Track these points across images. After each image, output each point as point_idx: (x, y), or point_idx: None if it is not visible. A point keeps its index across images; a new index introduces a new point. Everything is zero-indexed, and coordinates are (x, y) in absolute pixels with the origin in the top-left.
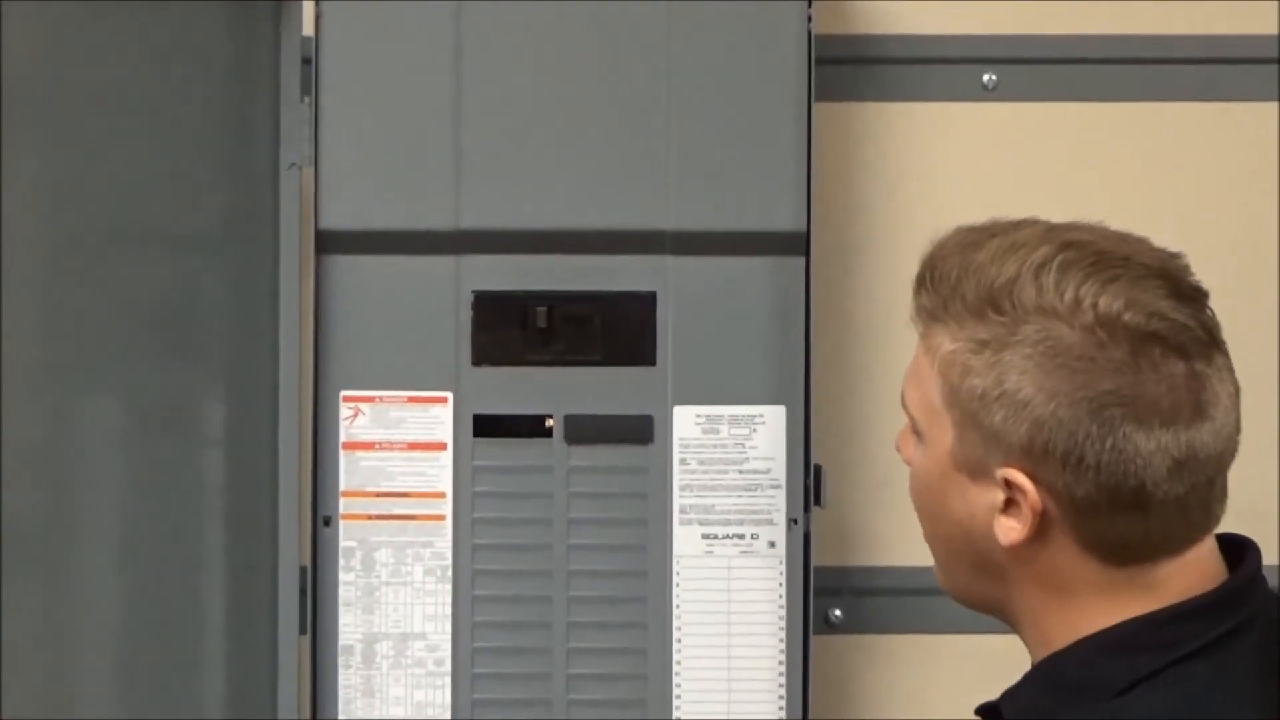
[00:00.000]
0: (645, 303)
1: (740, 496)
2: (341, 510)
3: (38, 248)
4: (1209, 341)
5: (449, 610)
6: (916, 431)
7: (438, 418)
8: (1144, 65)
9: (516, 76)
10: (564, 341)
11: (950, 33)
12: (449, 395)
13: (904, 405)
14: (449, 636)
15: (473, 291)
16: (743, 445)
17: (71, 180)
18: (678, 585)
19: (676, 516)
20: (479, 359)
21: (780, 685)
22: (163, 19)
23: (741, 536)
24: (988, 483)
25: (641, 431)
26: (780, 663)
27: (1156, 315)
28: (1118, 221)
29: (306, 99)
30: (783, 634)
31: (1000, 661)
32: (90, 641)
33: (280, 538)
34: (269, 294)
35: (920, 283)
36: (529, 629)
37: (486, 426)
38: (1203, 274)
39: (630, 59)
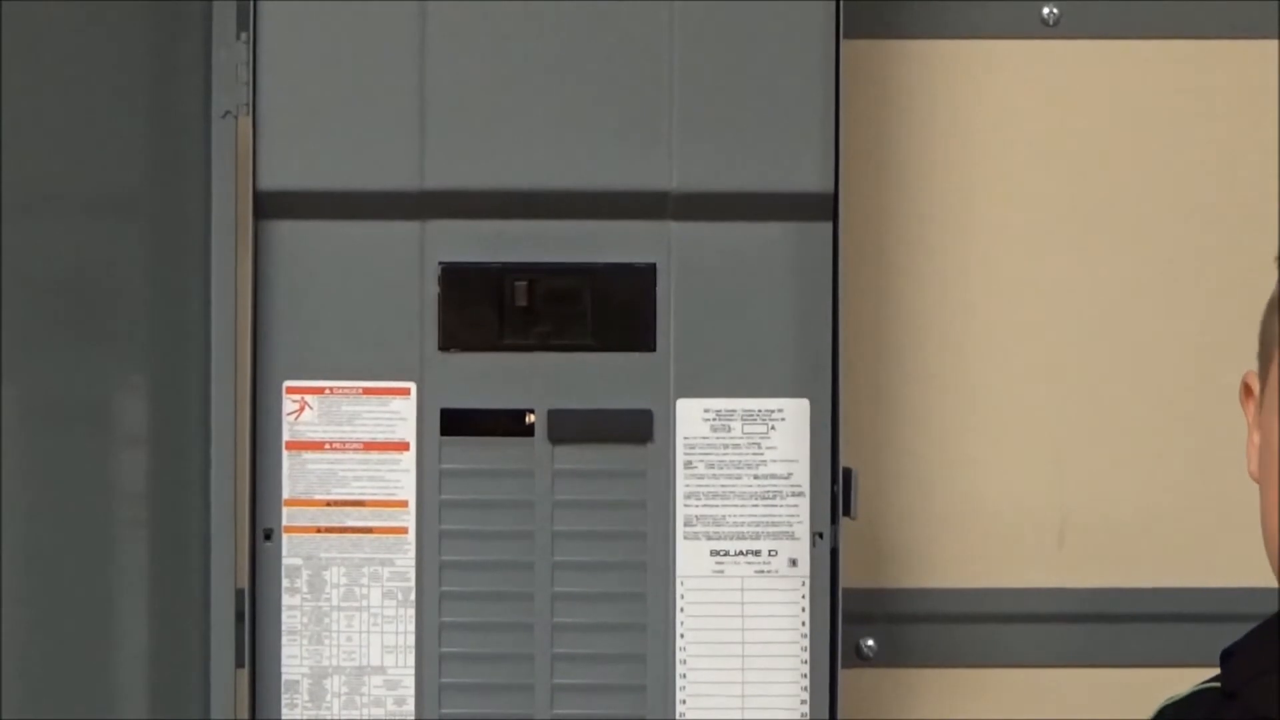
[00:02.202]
0: (644, 277)
1: (756, 506)
2: (284, 521)
3: None
4: None
5: (412, 640)
6: None
7: (398, 412)
8: None
9: (493, 8)
10: (548, 323)
11: None
12: (412, 386)
13: None
14: (412, 671)
15: (440, 263)
16: (759, 445)
17: None
18: (682, 610)
19: (681, 530)
20: (447, 343)
21: None
22: None
23: (757, 553)
24: None
25: (639, 429)
26: (804, 702)
27: None
28: (1213, 181)
29: (243, 35)
30: (806, 668)
31: (1057, 697)
32: None
33: (212, 554)
34: (197, 266)
35: None
36: (507, 661)
37: (456, 423)
38: None
39: None
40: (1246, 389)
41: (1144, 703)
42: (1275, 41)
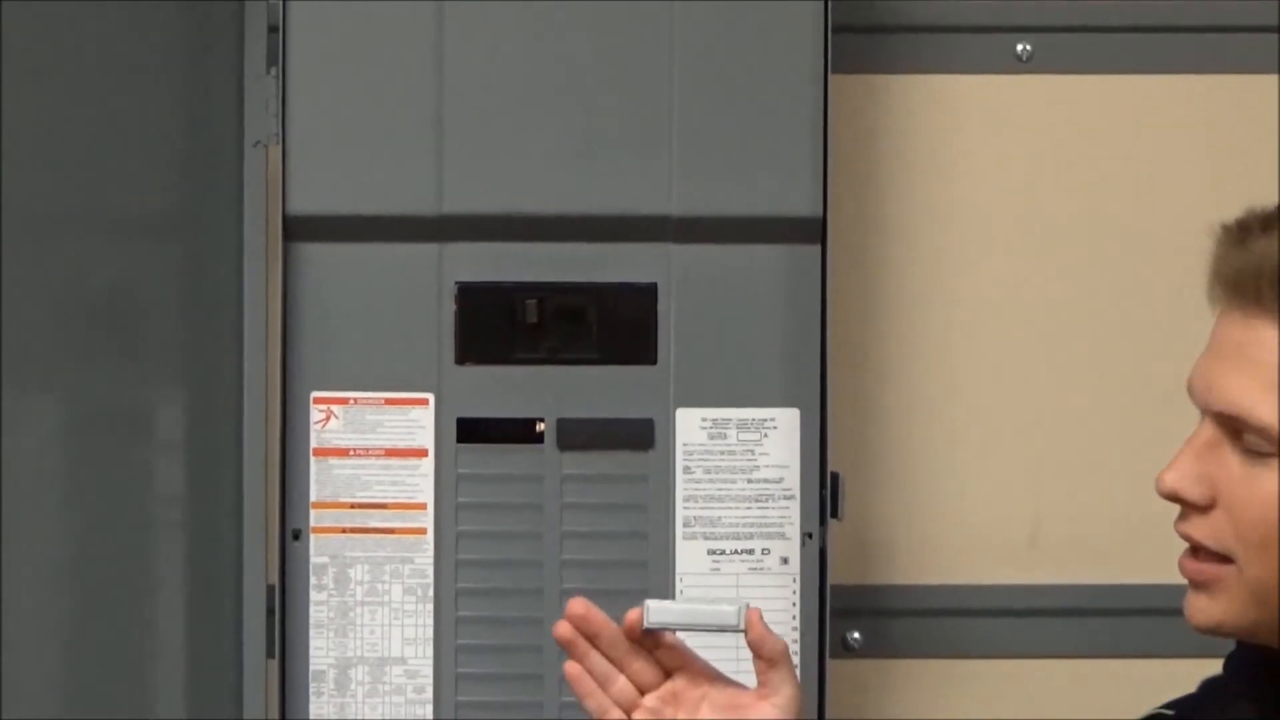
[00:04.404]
0: (646, 295)
1: (750, 508)
2: (312, 523)
3: None
4: None
5: (430, 632)
6: (1259, 442)
7: (418, 421)
8: (1201, 34)
9: (505, 45)
10: (556, 337)
11: None
12: (430, 397)
13: (1226, 415)
14: (430, 661)
15: (456, 283)
16: (752, 452)
17: (7, 159)
18: None
19: (680, 530)
20: (463, 357)
21: None
22: None
23: (751, 552)
24: None
25: (641, 436)
26: None
27: None
28: (1173, 206)
29: (273, 70)
30: (797, 659)
31: (1031, 686)
32: (29, 670)
33: (245, 553)
34: (231, 285)
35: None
36: (518, 653)
37: (471, 431)
38: None
39: (630, 26)
40: None
41: (1111, 691)
42: (1244, 76)
